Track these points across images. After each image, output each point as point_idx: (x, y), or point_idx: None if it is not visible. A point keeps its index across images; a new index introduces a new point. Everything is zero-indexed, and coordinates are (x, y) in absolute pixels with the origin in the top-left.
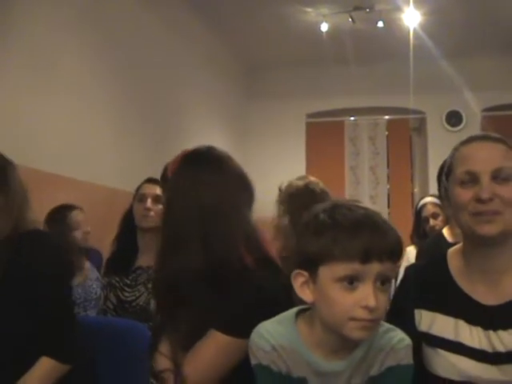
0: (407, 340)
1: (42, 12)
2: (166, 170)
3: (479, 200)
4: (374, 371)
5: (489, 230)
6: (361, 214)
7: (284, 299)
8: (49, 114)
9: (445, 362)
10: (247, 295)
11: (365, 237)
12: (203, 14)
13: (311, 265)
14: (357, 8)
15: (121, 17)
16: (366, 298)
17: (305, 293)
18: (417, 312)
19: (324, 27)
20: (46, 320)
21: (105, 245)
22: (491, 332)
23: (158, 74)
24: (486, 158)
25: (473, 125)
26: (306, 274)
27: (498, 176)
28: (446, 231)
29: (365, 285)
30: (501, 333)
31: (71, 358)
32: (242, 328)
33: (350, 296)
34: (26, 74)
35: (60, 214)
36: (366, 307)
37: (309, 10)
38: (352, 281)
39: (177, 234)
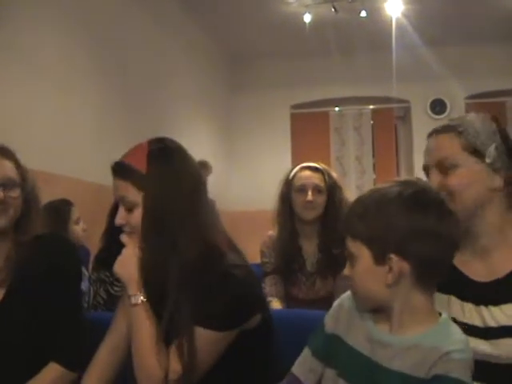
0: (467, 354)
1: (26, 6)
2: (128, 166)
3: None
4: (422, 372)
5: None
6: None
7: (255, 281)
8: (32, 110)
9: None
10: (227, 288)
11: None
12: (187, 5)
13: None
14: None
15: (104, 11)
16: None
17: None
18: None
19: (307, 18)
20: (58, 326)
21: (92, 241)
22: (483, 307)
23: (141, 67)
24: (432, 150)
25: (457, 112)
26: None
27: (442, 166)
28: None
29: None
30: (492, 308)
31: (80, 365)
32: (222, 321)
33: None
34: (9, 71)
35: (62, 209)
36: None
37: (291, 0)
38: None
39: (173, 228)
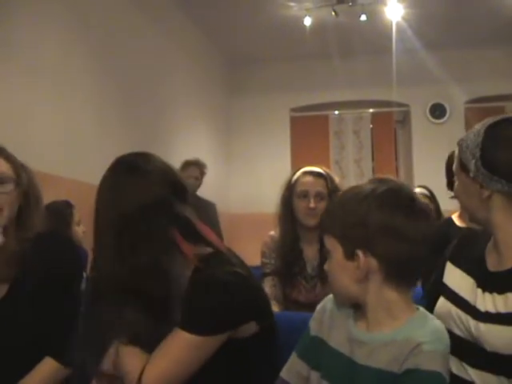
0: (439, 345)
1: (24, 3)
2: None
3: None
4: (395, 367)
5: None
6: None
7: (247, 289)
8: (33, 111)
9: (445, 311)
10: (210, 293)
11: None
12: (187, 7)
13: None
14: (340, 2)
15: (104, 14)
16: None
17: None
18: (448, 264)
19: (307, 21)
20: (57, 322)
21: (91, 242)
22: (487, 293)
23: (141, 70)
24: None
25: (456, 117)
26: None
27: None
28: (455, 217)
29: None
30: (496, 295)
31: (75, 362)
32: (205, 325)
33: None
34: (8, 70)
35: (65, 211)
36: None
37: (292, 4)
38: None
39: (100, 244)
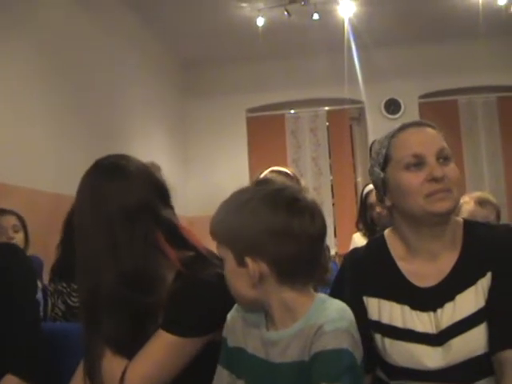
0: (341, 322)
1: None
2: None
3: (434, 179)
4: (306, 355)
5: (442, 206)
6: None
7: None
8: None
9: (401, 351)
10: (193, 295)
11: None
12: (137, 10)
13: None
14: (292, 1)
15: (54, 17)
16: None
17: None
18: (365, 299)
19: (260, 22)
20: (16, 338)
21: (49, 252)
22: (432, 313)
23: (93, 74)
24: (427, 140)
25: (411, 112)
26: None
27: (440, 157)
28: None
29: None
30: (439, 311)
31: (37, 378)
32: (187, 327)
33: None
34: None
35: None
36: None
37: (244, 5)
38: None
39: (85, 250)
